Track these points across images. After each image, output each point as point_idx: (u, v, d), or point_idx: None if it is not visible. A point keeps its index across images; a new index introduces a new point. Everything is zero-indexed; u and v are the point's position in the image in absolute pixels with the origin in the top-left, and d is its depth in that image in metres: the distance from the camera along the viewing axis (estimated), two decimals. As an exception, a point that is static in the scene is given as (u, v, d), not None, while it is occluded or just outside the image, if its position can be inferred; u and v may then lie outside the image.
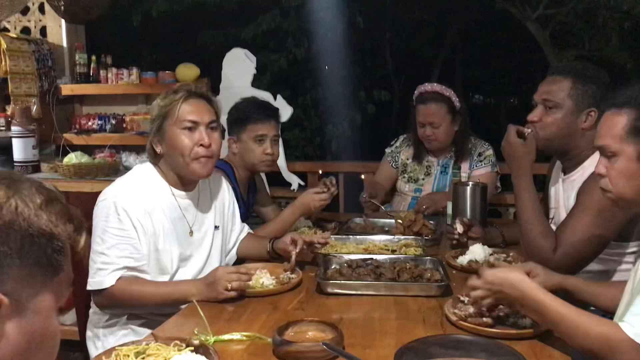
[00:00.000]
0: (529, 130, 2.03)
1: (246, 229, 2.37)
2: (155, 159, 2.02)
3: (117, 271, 1.86)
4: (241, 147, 2.54)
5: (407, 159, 3.20)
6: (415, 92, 3.11)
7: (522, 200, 2.02)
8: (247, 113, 2.53)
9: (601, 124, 1.51)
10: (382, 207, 2.97)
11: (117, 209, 1.87)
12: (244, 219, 2.44)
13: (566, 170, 2.11)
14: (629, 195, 1.46)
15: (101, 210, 1.90)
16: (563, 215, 2.03)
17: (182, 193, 2.03)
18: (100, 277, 1.86)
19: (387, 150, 3.31)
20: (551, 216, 2.21)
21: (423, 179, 3.14)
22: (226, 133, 2.62)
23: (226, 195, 2.25)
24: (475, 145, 3.11)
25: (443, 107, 2.99)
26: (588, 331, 1.33)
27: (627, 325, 1.28)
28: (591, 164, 1.95)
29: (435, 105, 2.99)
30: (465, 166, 3.04)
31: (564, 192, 2.12)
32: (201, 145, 1.93)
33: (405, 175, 3.19)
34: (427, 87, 3.05)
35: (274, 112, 2.60)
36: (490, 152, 3.09)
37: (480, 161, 3.07)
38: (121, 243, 1.87)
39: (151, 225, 1.92)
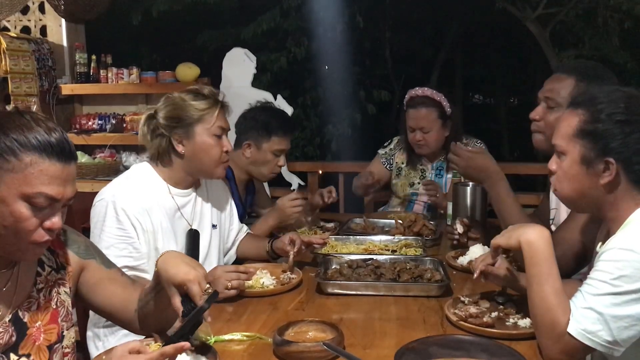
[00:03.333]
0: (479, 142, 2.08)
1: (245, 229, 2.37)
2: (169, 157, 2.00)
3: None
4: (257, 155, 2.56)
5: (402, 163, 3.19)
6: (406, 96, 3.08)
7: (507, 205, 2.04)
8: (273, 125, 2.55)
9: (558, 122, 1.51)
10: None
11: (116, 208, 1.87)
12: (242, 219, 2.44)
13: None
14: (571, 195, 1.48)
15: (99, 210, 1.90)
16: (564, 215, 2.03)
17: (180, 192, 2.04)
18: None
19: (381, 151, 3.29)
20: (552, 217, 2.21)
21: (419, 183, 3.13)
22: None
23: (223, 195, 2.27)
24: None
25: (433, 111, 2.97)
26: (545, 309, 1.37)
27: (574, 321, 1.31)
28: None
29: (425, 109, 2.97)
30: None
31: None
32: (225, 151, 2.02)
33: (400, 179, 3.19)
34: (418, 91, 3.02)
35: (295, 127, 2.71)
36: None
37: None
38: (120, 242, 1.87)
39: (150, 223, 1.93)
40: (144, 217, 1.91)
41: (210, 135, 1.98)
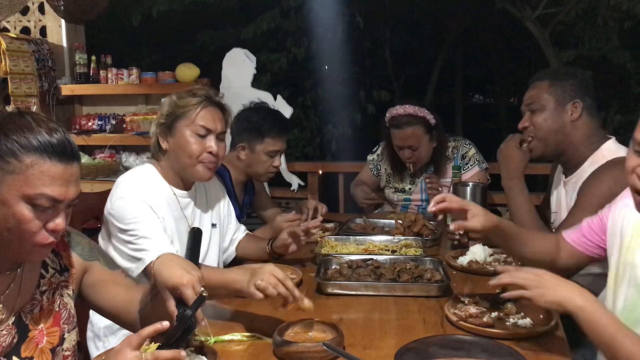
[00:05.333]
0: (528, 140, 2.12)
1: (243, 228, 2.38)
2: (158, 154, 2.03)
3: (166, 244, 1.83)
4: (251, 156, 2.55)
5: (391, 170, 3.17)
6: (387, 114, 2.98)
7: (518, 203, 2.07)
8: (266, 127, 2.53)
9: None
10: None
11: (138, 201, 1.89)
12: (238, 220, 2.45)
13: (567, 173, 2.12)
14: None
15: (123, 207, 1.88)
16: (563, 217, 2.04)
17: (182, 192, 2.05)
18: (152, 250, 1.79)
19: (369, 157, 3.28)
20: (552, 220, 2.21)
21: (410, 188, 3.12)
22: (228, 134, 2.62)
23: (221, 195, 2.28)
24: (457, 147, 3.06)
25: (419, 128, 2.90)
26: None
27: None
28: (590, 165, 1.96)
29: (411, 128, 2.89)
30: (450, 171, 2.99)
31: (565, 195, 2.13)
32: (209, 152, 1.96)
33: (391, 186, 3.18)
34: (399, 110, 2.91)
35: (289, 127, 2.66)
36: (473, 150, 3.05)
37: (466, 163, 3.02)
38: (154, 222, 1.87)
39: (162, 217, 1.94)
40: (159, 209, 1.93)
41: (190, 132, 1.95)
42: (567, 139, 2.04)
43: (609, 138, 2.02)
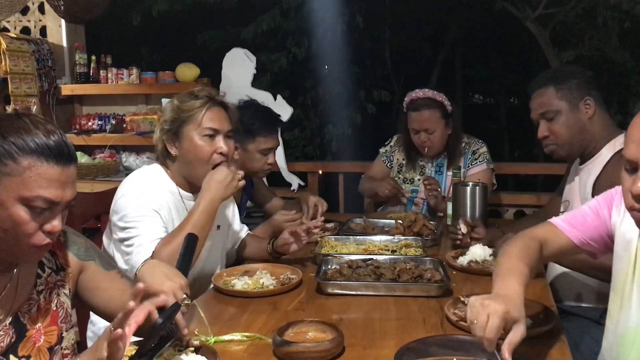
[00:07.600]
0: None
1: (245, 229, 2.38)
2: (166, 159, 2.03)
3: (155, 241, 1.84)
4: (244, 156, 2.55)
5: (403, 160, 3.20)
6: (406, 98, 3.05)
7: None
8: (256, 126, 2.53)
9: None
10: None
11: (140, 200, 1.90)
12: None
13: (582, 161, 2.14)
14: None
15: (124, 205, 1.90)
16: (577, 204, 2.04)
17: (188, 195, 2.06)
18: (143, 253, 1.82)
19: (382, 150, 3.31)
20: (562, 210, 2.21)
21: (418, 180, 3.13)
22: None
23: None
24: (469, 144, 3.10)
25: (436, 112, 2.96)
26: None
27: None
28: (608, 152, 1.98)
29: (428, 111, 2.95)
30: (462, 164, 3.03)
31: (579, 180, 2.14)
32: (220, 153, 1.97)
33: (400, 176, 3.19)
34: (419, 93, 3.00)
35: (280, 123, 2.66)
36: (484, 149, 3.08)
37: (475, 159, 3.05)
38: (150, 217, 1.88)
39: (165, 219, 1.95)
40: (162, 211, 1.94)
41: (198, 136, 1.95)
42: (589, 135, 2.09)
43: (623, 131, 2.03)
